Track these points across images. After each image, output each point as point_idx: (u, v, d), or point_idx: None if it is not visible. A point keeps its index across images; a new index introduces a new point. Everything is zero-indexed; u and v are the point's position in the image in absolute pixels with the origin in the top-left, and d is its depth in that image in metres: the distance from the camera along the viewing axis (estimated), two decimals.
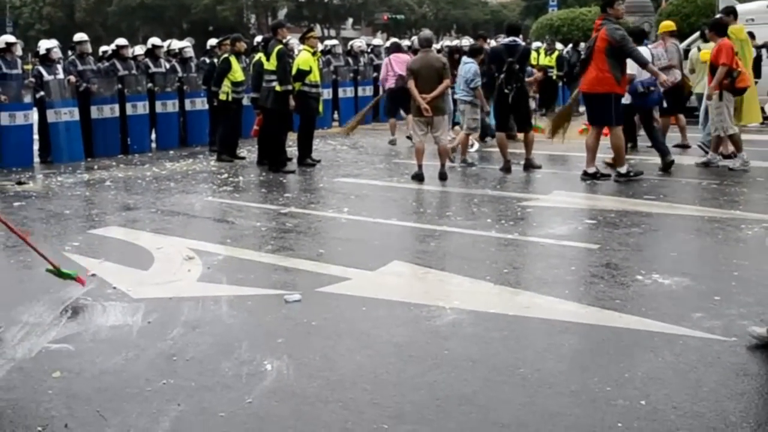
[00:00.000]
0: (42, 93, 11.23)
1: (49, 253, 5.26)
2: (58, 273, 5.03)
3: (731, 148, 9.84)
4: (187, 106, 13.41)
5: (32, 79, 11.34)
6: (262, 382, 3.57)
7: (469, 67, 10.35)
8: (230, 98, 11.41)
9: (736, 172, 9.22)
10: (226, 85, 11.31)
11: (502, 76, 9.67)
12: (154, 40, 13.59)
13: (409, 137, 12.77)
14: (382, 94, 13.68)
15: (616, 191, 8.40)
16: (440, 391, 3.45)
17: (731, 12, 10.31)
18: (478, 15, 61.15)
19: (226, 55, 11.51)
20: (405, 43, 16.71)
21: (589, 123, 9.20)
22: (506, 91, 9.63)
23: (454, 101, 11.63)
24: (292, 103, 10.27)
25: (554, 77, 17.82)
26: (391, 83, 12.97)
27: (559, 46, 19.53)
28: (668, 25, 11.53)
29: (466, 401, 3.35)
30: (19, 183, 9.61)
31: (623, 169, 8.78)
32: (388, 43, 16.49)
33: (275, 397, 3.42)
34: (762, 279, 5.06)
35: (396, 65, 12.92)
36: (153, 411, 3.30)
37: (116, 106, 12.24)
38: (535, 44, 19.09)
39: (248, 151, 12.01)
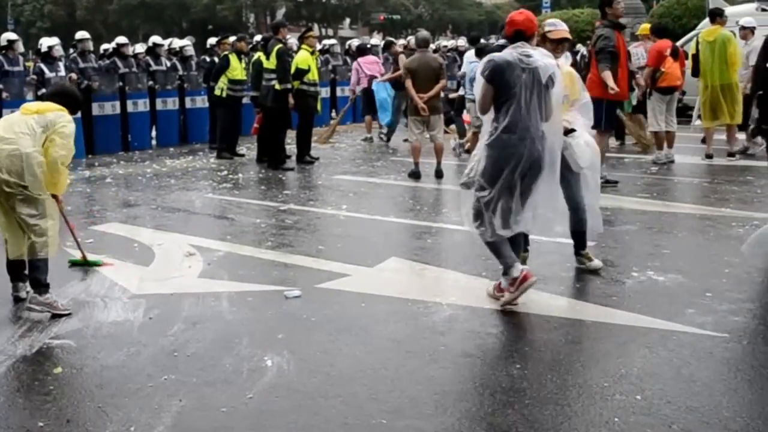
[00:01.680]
0: (43, 90, 11.23)
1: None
2: (84, 263, 5.59)
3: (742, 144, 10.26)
4: (188, 104, 13.45)
5: (34, 77, 11.36)
6: (262, 378, 3.61)
7: (474, 65, 10.43)
8: (224, 94, 11.46)
9: (661, 166, 9.76)
10: (222, 82, 11.37)
11: None
12: (156, 39, 13.63)
13: (366, 139, 13.10)
14: (353, 97, 14.16)
15: (610, 190, 8.44)
16: (438, 386, 3.50)
17: (717, 14, 10.46)
18: (473, 16, 61.36)
19: (225, 53, 11.55)
20: (373, 41, 17.11)
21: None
22: None
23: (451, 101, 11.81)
24: (291, 101, 10.33)
25: None
26: (364, 84, 13.33)
27: None
28: (647, 27, 12.15)
29: (464, 396, 3.39)
30: None
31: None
32: (355, 42, 16.79)
33: (276, 392, 3.46)
34: (752, 276, 5.12)
35: (365, 67, 13.43)
36: (154, 406, 3.33)
37: (117, 104, 12.28)
38: None
39: (248, 148, 12.05)
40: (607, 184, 8.32)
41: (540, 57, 4.49)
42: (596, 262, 5.27)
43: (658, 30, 10.82)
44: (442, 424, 3.15)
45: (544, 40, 5.01)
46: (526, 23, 4.55)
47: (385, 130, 13.06)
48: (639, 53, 11.25)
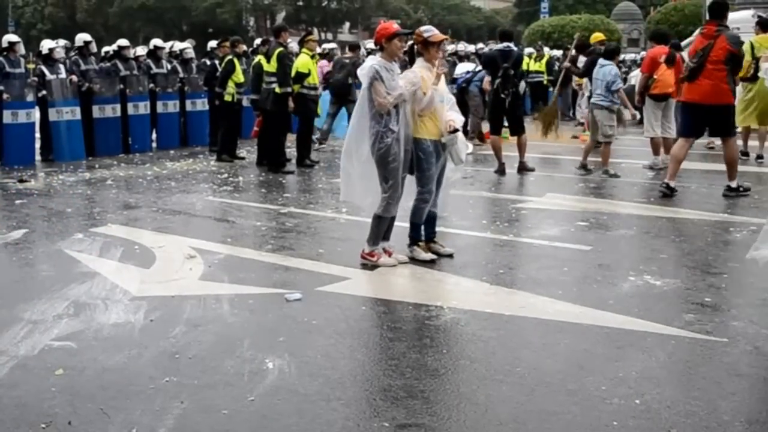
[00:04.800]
0: (44, 92, 11.29)
1: (50, 250, 5.45)
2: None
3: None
4: (188, 106, 13.48)
5: (35, 78, 11.40)
6: (264, 381, 3.62)
7: (609, 68, 9.59)
8: (235, 99, 11.48)
9: (657, 171, 9.91)
10: (230, 87, 11.37)
11: (498, 81, 9.77)
12: (156, 41, 13.67)
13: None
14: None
15: (607, 194, 8.49)
16: (439, 390, 3.51)
17: (761, 23, 10.83)
18: (472, 21, 61.62)
19: (229, 57, 11.56)
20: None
21: (688, 135, 8.36)
22: (503, 96, 9.73)
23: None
24: (291, 104, 10.37)
25: (545, 82, 18.03)
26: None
27: (553, 52, 19.77)
28: (598, 36, 12.78)
29: (465, 399, 3.41)
30: (21, 181, 9.67)
31: (734, 184, 8.18)
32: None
33: (277, 395, 3.47)
34: (750, 280, 5.14)
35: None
36: (156, 408, 3.34)
37: (118, 106, 12.31)
38: (528, 50, 19.29)
39: (248, 151, 12.07)
40: (743, 193, 8.09)
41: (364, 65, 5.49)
42: (448, 248, 5.83)
43: (656, 36, 11.12)
44: (444, 428, 3.17)
45: (426, 45, 5.49)
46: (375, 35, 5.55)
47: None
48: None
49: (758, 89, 10.52)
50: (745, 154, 10.67)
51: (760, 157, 10.65)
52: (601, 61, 9.77)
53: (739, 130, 10.41)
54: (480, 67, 13.04)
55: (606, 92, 9.49)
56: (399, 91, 5.34)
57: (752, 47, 10.43)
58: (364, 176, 5.54)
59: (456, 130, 5.49)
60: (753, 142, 11.09)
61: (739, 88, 10.77)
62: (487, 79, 10.33)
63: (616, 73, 9.62)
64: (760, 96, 10.58)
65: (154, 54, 13.19)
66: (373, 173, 5.50)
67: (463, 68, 13.82)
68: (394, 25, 5.60)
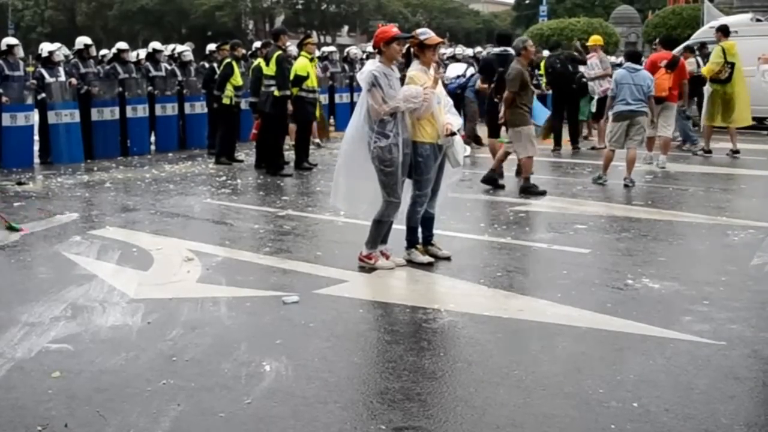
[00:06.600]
0: (43, 95, 11.29)
1: (48, 252, 5.45)
2: (9, 227, 6.77)
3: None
4: (187, 109, 13.48)
5: (34, 81, 11.40)
6: (261, 383, 3.61)
7: (645, 73, 9.27)
8: (233, 102, 11.48)
9: (655, 175, 9.99)
10: (229, 90, 11.36)
11: (493, 85, 9.77)
12: (155, 44, 13.67)
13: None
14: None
15: (605, 197, 8.48)
16: (437, 393, 3.51)
17: (723, 30, 11.79)
18: (471, 24, 61.83)
19: (228, 60, 11.55)
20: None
21: None
22: (496, 100, 9.72)
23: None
24: (290, 107, 10.37)
25: (543, 84, 18.09)
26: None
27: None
28: (597, 39, 13.26)
29: (462, 402, 3.41)
30: (20, 183, 9.67)
31: None
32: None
33: (274, 397, 3.47)
34: (748, 284, 5.14)
35: None
36: (153, 411, 3.33)
37: (116, 109, 12.31)
38: None
39: (246, 154, 12.07)
40: None
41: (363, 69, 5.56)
42: (446, 251, 5.83)
43: (665, 41, 11.70)
44: (441, 431, 3.16)
45: (422, 48, 5.49)
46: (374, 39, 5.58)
47: None
48: (594, 63, 12.39)
49: (735, 90, 11.18)
50: (709, 151, 11.45)
51: (736, 152, 11.28)
52: (631, 65, 9.28)
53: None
54: (472, 71, 13.12)
55: (645, 98, 9.10)
56: (396, 103, 5.35)
57: (723, 52, 11.17)
58: (361, 180, 5.52)
59: (453, 133, 5.50)
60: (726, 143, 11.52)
61: (707, 88, 11.63)
62: (480, 81, 10.40)
63: (652, 78, 9.36)
64: (739, 97, 11.24)
65: (153, 57, 13.20)
66: (371, 176, 5.49)
67: (454, 70, 13.79)
68: (393, 29, 5.63)
